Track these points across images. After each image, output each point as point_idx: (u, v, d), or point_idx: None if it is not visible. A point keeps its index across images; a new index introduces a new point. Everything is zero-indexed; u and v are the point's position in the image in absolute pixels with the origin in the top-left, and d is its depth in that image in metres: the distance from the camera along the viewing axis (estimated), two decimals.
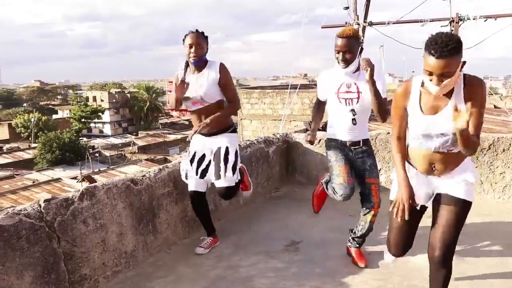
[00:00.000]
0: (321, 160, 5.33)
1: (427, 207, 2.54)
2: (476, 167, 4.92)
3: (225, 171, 3.45)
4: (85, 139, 44.72)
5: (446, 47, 1.99)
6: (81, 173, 24.55)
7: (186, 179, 3.64)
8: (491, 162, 4.88)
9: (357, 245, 3.45)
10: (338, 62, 3.12)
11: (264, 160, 5.26)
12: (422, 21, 13.33)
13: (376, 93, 3.05)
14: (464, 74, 2.18)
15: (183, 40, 3.38)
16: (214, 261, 3.50)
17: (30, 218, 2.64)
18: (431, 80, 2.09)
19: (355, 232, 3.43)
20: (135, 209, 3.41)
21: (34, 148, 36.64)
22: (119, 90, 70.33)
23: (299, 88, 14.07)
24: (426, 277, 3.11)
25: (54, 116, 60.71)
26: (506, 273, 3.19)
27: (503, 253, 3.50)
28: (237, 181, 3.58)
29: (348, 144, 3.31)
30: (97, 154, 35.22)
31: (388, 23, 13.60)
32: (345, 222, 4.02)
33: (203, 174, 3.52)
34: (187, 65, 3.48)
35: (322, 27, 13.18)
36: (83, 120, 53.94)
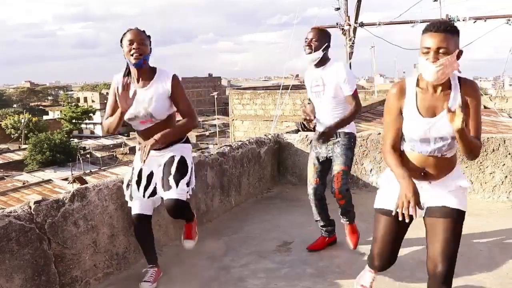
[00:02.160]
0: None
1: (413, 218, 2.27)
2: (466, 167, 4.96)
3: (177, 181, 2.92)
4: (76, 140, 44.47)
5: (443, 25, 2.08)
6: (72, 174, 24.39)
7: (131, 200, 3.10)
8: (480, 162, 4.92)
9: (347, 221, 3.64)
10: (305, 50, 3.41)
11: (256, 161, 5.26)
12: (412, 22, 13.42)
13: (344, 122, 3.41)
14: (459, 77, 2.19)
15: (121, 40, 2.84)
16: (206, 262, 3.49)
17: (20, 220, 2.62)
18: (427, 59, 2.07)
19: (340, 211, 3.63)
20: (126, 211, 3.39)
21: (24, 149, 36.40)
22: None
23: (290, 89, 14.09)
24: (419, 276, 3.14)
25: (45, 117, 60.36)
26: (496, 272, 3.21)
27: (493, 252, 3.53)
28: (188, 196, 3.03)
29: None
30: (88, 155, 35.03)
31: (379, 24, 13.67)
32: (338, 221, 4.03)
33: (152, 194, 3.02)
34: (128, 72, 2.91)
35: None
36: (74, 121, 53.69)
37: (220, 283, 3.17)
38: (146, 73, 2.88)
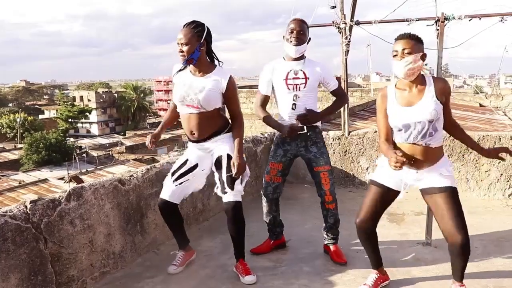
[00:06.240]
0: None
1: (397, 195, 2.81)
2: (462, 164, 4.98)
3: (232, 184, 3.06)
4: (72, 139, 44.34)
5: (406, 33, 2.55)
6: (68, 173, 24.31)
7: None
8: (476, 160, 4.94)
9: (333, 241, 3.50)
10: (290, 41, 3.27)
11: (252, 159, 5.27)
12: (408, 20, 13.42)
13: (331, 112, 3.54)
14: (433, 77, 2.65)
15: None
16: (203, 261, 3.50)
17: (16, 220, 2.62)
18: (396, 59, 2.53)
19: (324, 227, 3.49)
20: (122, 210, 3.40)
21: (20, 148, 36.23)
22: (106, 89, 69.89)
23: None
24: (413, 274, 3.15)
25: (41, 116, 60.11)
26: (491, 269, 3.23)
27: (489, 250, 3.55)
28: (242, 193, 3.15)
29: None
30: (84, 154, 34.92)
31: (374, 22, 13.67)
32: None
33: (181, 183, 3.21)
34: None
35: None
36: (70, 120, 53.52)
37: (216, 281, 3.18)
38: (203, 65, 3.06)
